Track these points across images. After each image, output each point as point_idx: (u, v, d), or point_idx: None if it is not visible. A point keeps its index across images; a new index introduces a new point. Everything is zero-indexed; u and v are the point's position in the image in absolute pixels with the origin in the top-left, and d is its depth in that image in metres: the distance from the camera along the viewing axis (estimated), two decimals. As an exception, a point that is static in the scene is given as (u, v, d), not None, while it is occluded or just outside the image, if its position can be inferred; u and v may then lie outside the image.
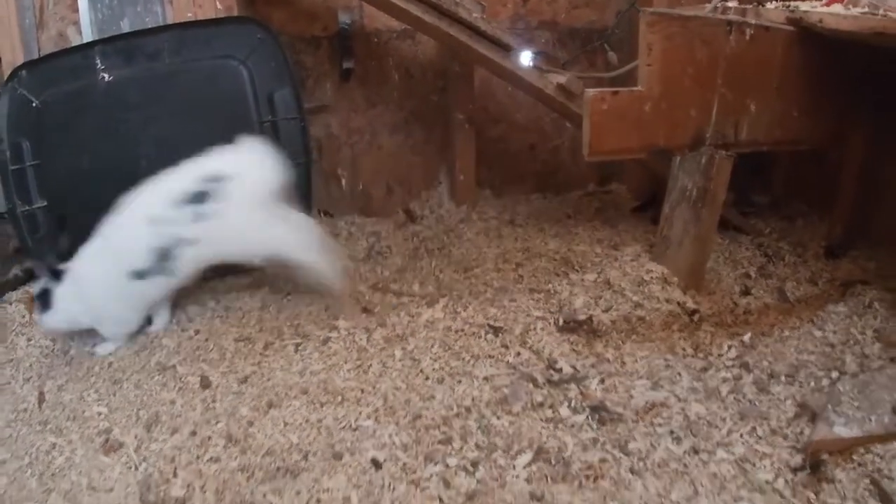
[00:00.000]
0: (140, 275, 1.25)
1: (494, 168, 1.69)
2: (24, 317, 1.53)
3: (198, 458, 0.99)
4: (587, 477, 0.90)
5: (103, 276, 1.27)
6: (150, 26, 1.60)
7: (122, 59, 1.52)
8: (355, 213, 1.66)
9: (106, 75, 1.52)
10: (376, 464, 0.94)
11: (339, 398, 1.07)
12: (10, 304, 1.57)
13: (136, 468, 0.99)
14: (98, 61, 1.52)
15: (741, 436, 0.97)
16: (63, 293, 1.29)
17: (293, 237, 1.23)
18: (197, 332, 1.30)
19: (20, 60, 1.64)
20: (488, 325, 1.23)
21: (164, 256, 1.23)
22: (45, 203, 1.57)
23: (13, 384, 1.34)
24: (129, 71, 1.51)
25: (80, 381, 1.25)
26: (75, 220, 1.52)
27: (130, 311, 1.30)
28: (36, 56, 1.66)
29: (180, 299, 1.38)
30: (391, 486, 0.90)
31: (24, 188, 1.57)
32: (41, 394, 1.25)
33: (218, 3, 1.54)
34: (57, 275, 1.31)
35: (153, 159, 1.48)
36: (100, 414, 1.14)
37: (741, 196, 1.60)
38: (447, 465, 0.93)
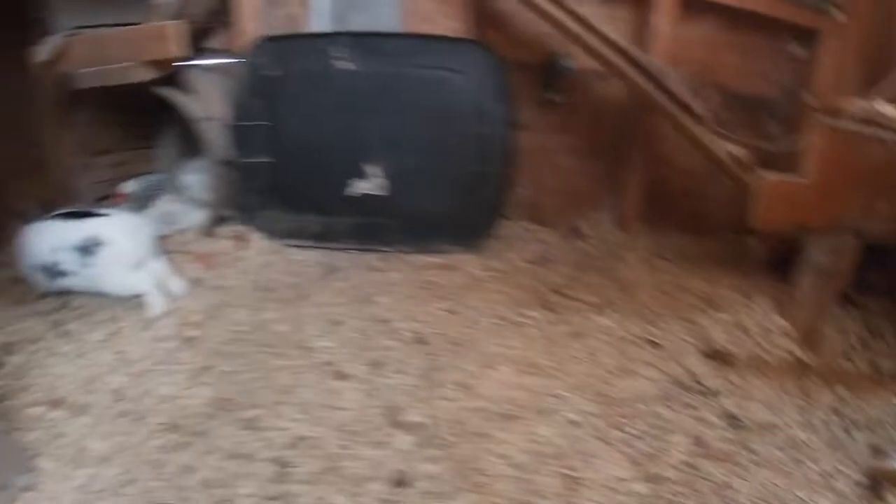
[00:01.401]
0: (38, 269, 2.05)
1: (652, 203, 2.41)
2: (235, 251, 2.28)
3: (430, 396, 1.72)
4: (722, 459, 1.66)
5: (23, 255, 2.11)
6: (380, 29, 2.29)
7: (362, 53, 2.22)
8: (527, 220, 2.40)
9: (347, 64, 2.22)
10: (574, 423, 1.70)
11: (539, 371, 1.82)
12: (225, 238, 2.32)
13: (370, 395, 1.71)
14: (340, 50, 2.23)
15: (827, 457, 1.72)
16: None
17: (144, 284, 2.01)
18: (407, 296, 2.03)
19: (254, 31, 2.35)
20: (647, 338, 1.97)
21: (50, 272, 2.04)
22: (267, 159, 2.30)
23: (226, 307, 2.09)
24: (367, 65, 2.21)
25: (295, 317, 1.97)
26: (289, 180, 2.27)
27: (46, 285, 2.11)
28: (267, 29, 2.36)
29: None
30: (586, 440, 1.66)
31: (250, 143, 2.30)
32: (258, 324, 2.00)
33: (449, 21, 2.25)
34: None
35: (372, 145, 2.21)
36: (324, 347, 1.89)
37: (860, 274, 2.32)
38: (626, 433, 1.68)
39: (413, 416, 1.60)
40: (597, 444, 1.61)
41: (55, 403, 1.72)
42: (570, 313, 2.00)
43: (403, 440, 1.55)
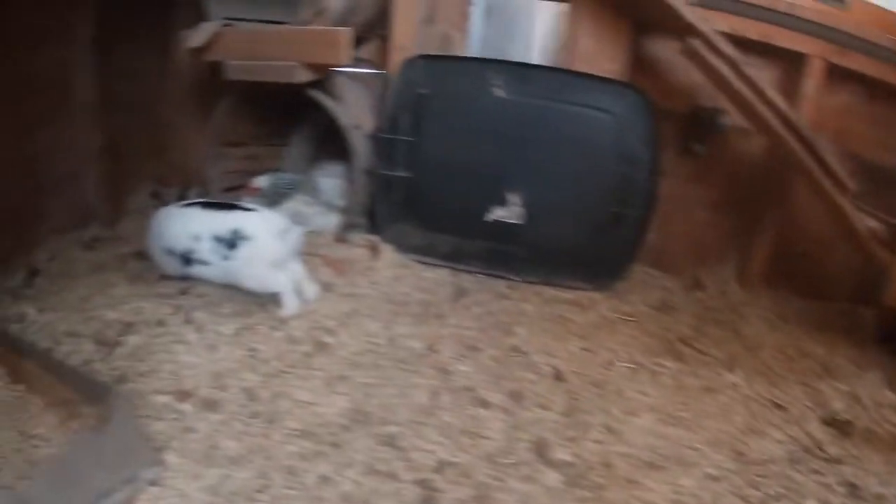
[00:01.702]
0: (171, 253, 2.21)
1: (773, 263, 2.56)
2: (366, 260, 2.41)
3: (577, 436, 1.86)
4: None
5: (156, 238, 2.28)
6: (534, 62, 2.45)
7: (515, 82, 2.35)
8: (650, 264, 2.54)
9: (499, 92, 2.36)
10: (713, 478, 1.84)
11: (677, 422, 1.96)
12: (357, 246, 2.45)
13: (515, 427, 1.86)
14: (494, 77, 2.36)
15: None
16: None
17: (282, 284, 2.13)
18: (543, 330, 2.17)
19: (409, 45, 2.48)
20: (772, 400, 2.12)
21: (185, 258, 2.18)
22: (406, 174, 2.43)
23: (358, 316, 2.22)
24: (518, 94, 2.34)
25: (428, 336, 2.09)
26: (425, 197, 2.40)
27: (172, 270, 2.28)
28: (419, 45, 2.49)
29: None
30: (725, 496, 1.80)
31: (392, 156, 2.43)
32: (391, 338, 2.13)
33: (607, 63, 2.39)
34: None
35: (513, 173, 2.35)
36: (463, 372, 2.02)
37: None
38: (763, 493, 1.83)
39: (561, 454, 1.71)
40: (736, 502, 1.74)
41: (183, 395, 1.82)
42: (699, 366, 2.14)
43: (552, 477, 1.65)
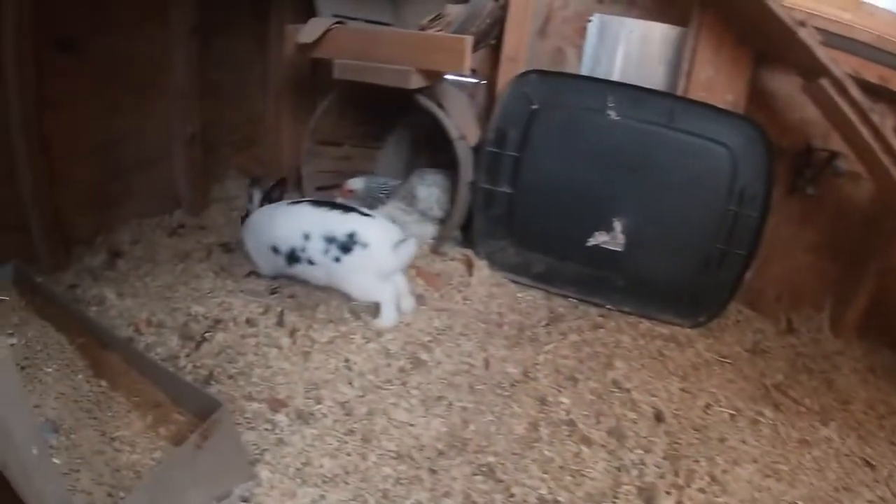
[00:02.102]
0: (275, 251, 2.20)
1: (868, 313, 2.51)
2: (461, 275, 2.36)
3: (682, 483, 1.82)
4: None
5: (257, 233, 2.27)
6: (649, 86, 2.36)
7: (629, 106, 2.29)
8: (742, 302, 2.49)
9: (612, 114, 2.29)
10: (814, 538, 1.81)
11: (778, 476, 1.93)
12: (452, 259, 2.40)
13: (620, 470, 1.82)
14: (609, 99, 2.29)
15: None
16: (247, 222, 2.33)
17: (385, 295, 2.11)
18: (642, 365, 2.14)
19: (519, 58, 2.41)
20: (863, 458, 2.09)
21: (289, 255, 2.16)
22: (508, 190, 2.38)
23: (453, 333, 2.18)
24: (631, 118, 2.29)
25: (524, 361, 2.05)
26: (525, 215, 2.34)
27: (267, 267, 2.30)
28: (532, 60, 2.42)
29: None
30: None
31: (496, 170, 2.38)
32: (487, 359, 2.09)
33: (725, 93, 2.31)
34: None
35: (618, 199, 2.29)
36: (561, 403, 1.99)
37: None
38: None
39: (668, 503, 1.69)
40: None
41: (277, 404, 1.81)
42: (795, 417, 2.11)
43: (661, 525, 1.63)
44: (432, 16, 2.28)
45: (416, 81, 2.20)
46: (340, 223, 2.10)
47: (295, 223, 2.15)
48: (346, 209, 2.15)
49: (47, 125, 2.24)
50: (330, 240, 2.09)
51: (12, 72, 2.17)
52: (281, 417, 1.75)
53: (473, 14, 2.26)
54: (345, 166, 2.70)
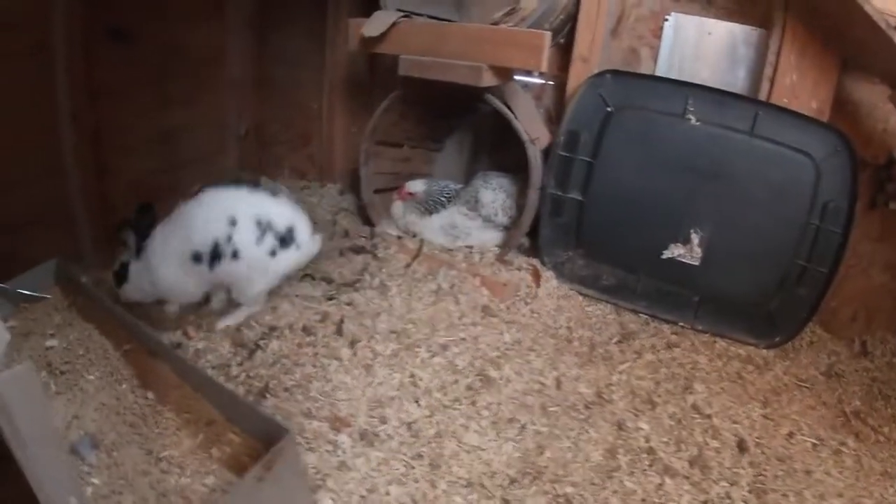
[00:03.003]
0: (197, 257, 1.90)
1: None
2: (528, 286, 2.24)
3: None
4: None
5: (171, 253, 1.93)
6: (728, 89, 2.23)
7: (711, 111, 2.17)
8: (816, 323, 2.37)
9: (692, 119, 2.16)
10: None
11: (866, 514, 1.83)
12: (518, 269, 2.28)
13: None
14: (689, 103, 2.16)
15: None
16: (136, 268, 1.98)
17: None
18: (722, 389, 2.03)
19: (592, 58, 2.28)
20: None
21: (215, 252, 1.89)
22: (579, 197, 2.25)
23: (521, 348, 2.06)
24: (711, 124, 2.16)
25: (597, 380, 1.96)
26: (596, 224, 2.22)
27: (192, 287, 2.00)
28: (605, 60, 2.29)
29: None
30: None
31: (566, 176, 2.25)
32: (558, 378, 1.98)
33: (813, 102, 2.18)
34: (139, 252, 1.99)
35: (695, 210, 2.17)
36: (640, 429, 1.88)
37: None
38: None
39: None
40: None
41: (339, 423, 1.70)
42: (876, 447, 2.01)
43: (753, 566, 1.56)
44: (506, 9, 2.14)
45: (487, 79, 2.08)
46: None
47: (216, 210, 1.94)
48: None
49: (97, 117, 2.12)
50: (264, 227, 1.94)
51: (61, 61, 2.07)
52: (343, 438, 1.64)
53: (550, 9, 2.12)
54: (403, 168, 2.58)
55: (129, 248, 2.01)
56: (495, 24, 2.15)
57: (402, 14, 2.20)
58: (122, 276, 2.03)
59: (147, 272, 1.98)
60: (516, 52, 2.02)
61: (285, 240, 1.95)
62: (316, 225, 2.69)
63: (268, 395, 1.80)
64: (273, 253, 1.95)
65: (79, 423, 1.59)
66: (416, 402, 1.80)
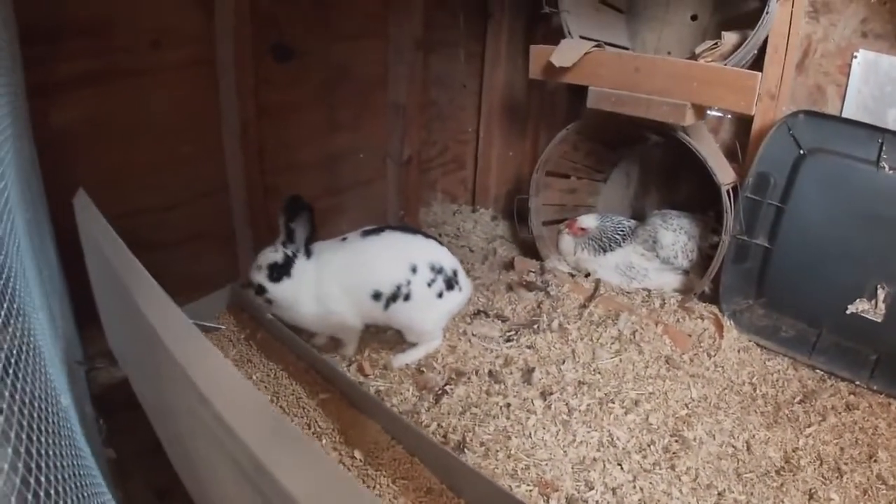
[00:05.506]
0: (377, 296, 1.92)
1: None
2: (711, 336, 2.13)
3: None
4: None
5: (345, 281, 1.91)
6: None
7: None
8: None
9: (886, 167, 2.04)
10: None
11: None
12: (702, 318, 2.15)
13: None
14: (884, 149, 2.04)
15: None
16: (302, 268, 1.85)
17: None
18: (821, 420, 1.98)
19: (780, 95, 2.15)
20: None
21: (394, 294, 1.93)
22: (765, 243, 2.14)
23: (709, 406, 1.97)
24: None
25: (780, 442, 1.92)
26: (781, 273, 2.10)
27: (352, 319, 1.99)
28: (789, 98, 2.16)
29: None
30: None
31: (753, 220, 2.13)
32: (748, 441, 1.90)
33: None
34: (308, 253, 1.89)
35: (886, 264, 2.06)
36: (831, 500, 1.80)
37: None
38: None
39: None
40: None
41: (547, 488, 1.65)
42: None
43: None
44: (709, 44, 1.99)
45: (690, 118, 1.95)
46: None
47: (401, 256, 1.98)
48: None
49: (262, 135, 1.99)
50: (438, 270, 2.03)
51: (228, 77, 1.91)
52: (553, 507, 1.60)
53: (753, 44, 1.97)
54: (569, 200, 2.46)
55: (296, 241, 1.85)
56: (696, 58, 2.01)
57: (593, 44, 2.05)
58: (284, 269, 1.83)
59: (315, 282, 1.88)
60: (726, 93, 1.91)
61: (451, 282, 2.01)
62: (472, 253, 2.58)
63: (465, 450, 1.71)
64: (440, 295, 2.00)
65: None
66: (620, 465, 1.77)
